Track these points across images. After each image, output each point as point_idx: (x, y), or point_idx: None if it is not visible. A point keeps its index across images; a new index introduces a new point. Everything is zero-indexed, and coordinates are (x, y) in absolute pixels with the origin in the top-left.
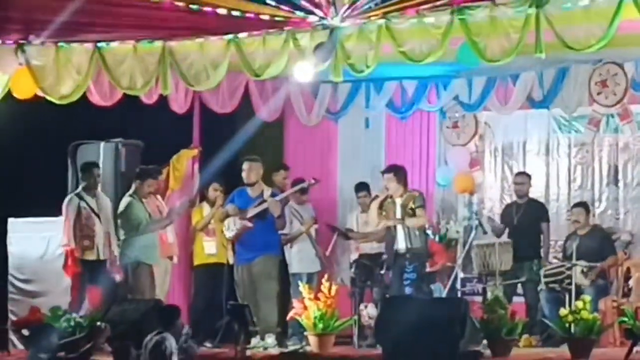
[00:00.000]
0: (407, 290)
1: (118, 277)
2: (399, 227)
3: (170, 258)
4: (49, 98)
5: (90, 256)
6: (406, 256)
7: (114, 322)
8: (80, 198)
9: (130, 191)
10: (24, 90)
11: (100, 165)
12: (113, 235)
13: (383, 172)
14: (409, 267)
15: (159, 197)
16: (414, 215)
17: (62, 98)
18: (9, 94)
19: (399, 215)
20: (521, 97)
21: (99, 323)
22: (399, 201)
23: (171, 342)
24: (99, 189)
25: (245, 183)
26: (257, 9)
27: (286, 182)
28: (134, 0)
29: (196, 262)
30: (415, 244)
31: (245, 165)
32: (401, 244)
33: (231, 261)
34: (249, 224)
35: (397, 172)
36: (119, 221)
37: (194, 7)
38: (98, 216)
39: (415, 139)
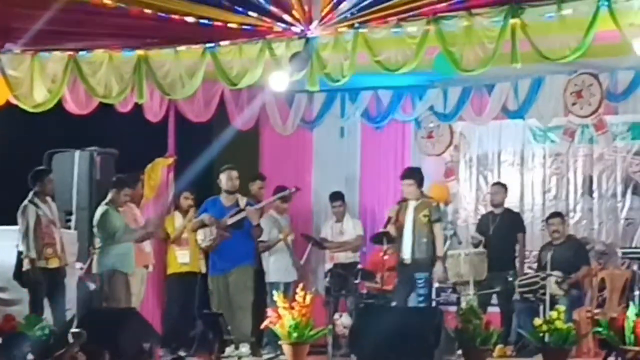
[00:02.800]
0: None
1: (93, 286)
2: (407, 235)
3: (146, 267)
4: (22, 106)
5: (54, 264)
6: (413, 267)
7: (89, 329)
8: (36, 205)
9: (107, 200)
10: None
11: (75, 173)
12: (67, 242)
13: (402, 178)
14: (420, 281)
15: (134, 206)
16: (427, 223)
17: (36, 106)
18: None
19: (409, 219)
20: (496, 107)
21: (75, 329)
22: (412, 204)
23: None
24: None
25: (225, 191)
26: (233, 18)
27: (262, 191)
28: (108, 9)
29: (169, 271)
30: (421, 254)
31: (224, 175)
32: (407, 253)
33: (204, 270)
34: (226, 234)
35: (416, 176)
36: (95, 229)
37: (167, 15)
38: (53, 223)
39: (390, 148)
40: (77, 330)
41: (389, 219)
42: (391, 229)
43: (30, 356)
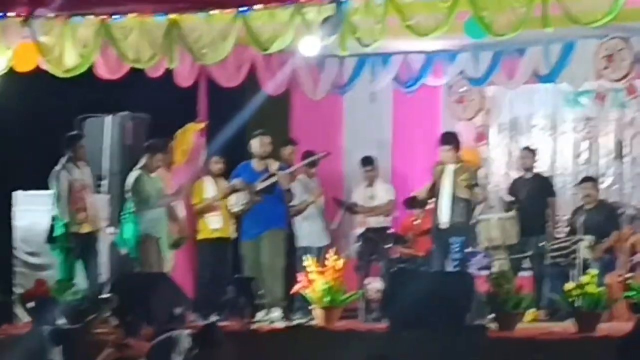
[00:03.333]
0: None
1: (123, 250)
2: (444, 199)
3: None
4: (52, 71)
5: (86, 229)
6: (450, 231)
7: (121, 294)
8: (68, 171)
9: (139, 165)
10: (26, 63)
11: (107, 138)
12: (99, 207)
13: (440, 144)
14: (456, 245)
15: (165, 171)
16: (467, 187)
17: (67, 71)
18: (11, 68)
19: (448, 184)
20: (527, 71)
21: (105, 295)
22: (450, 168)
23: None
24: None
25: (257, 156)
26: None
27: (293, 156)
28: None
29: (200, 236)
30: (458, 219)
31: (256, 140)
32: (444, 217)
33: (235, 236)
34: (257, 198)
35: (453, 141)
36: (128, 194)
37: None
38: (86, 188)
39: (421, 113)
40: (107, 295)
41: (433, 181)
42: (427, 192)
43: (62, 320)
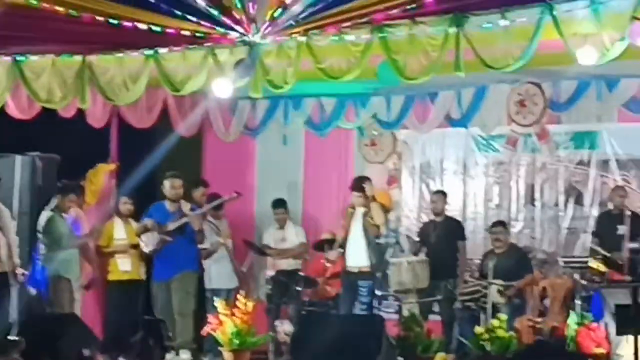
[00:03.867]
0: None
1: (34, 291)
2: (354, 242)
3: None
4: None
5: None
6: (358, 274)
7: (29, 335)
8: None
9: (51, 205)
10: None
11: (17, 178)
12: (14, 246)
13: (352, 190)
14: (363, 289)
15: (79, 211)
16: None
17: None
18: None
19: (359, 224)
20: (439, 115)
21: (13, 337)
22: (360, 211)
23: None
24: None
25: (169, 198)
26: (177, 24)
27: (205, 198)
28: (54, 14)
29: (110, 277)
30: (367, 262)
31: (168, 182)
32: (353, 260)
33: (144, 277)
34: (169, 238)
35: (362, 187)
36: (40, 235)
37: (114, 22)
38: (0, 228)
39: (333, 156)
40: (15, 338)
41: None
42: (338, 235)
43: None
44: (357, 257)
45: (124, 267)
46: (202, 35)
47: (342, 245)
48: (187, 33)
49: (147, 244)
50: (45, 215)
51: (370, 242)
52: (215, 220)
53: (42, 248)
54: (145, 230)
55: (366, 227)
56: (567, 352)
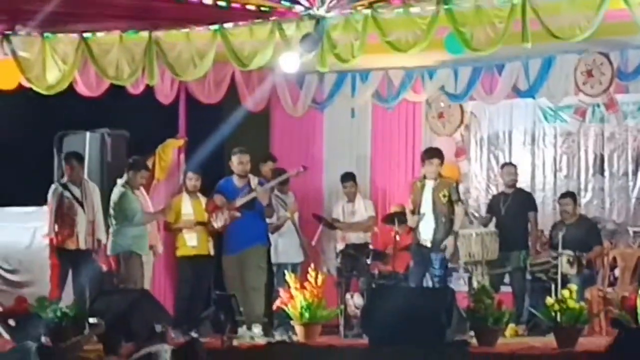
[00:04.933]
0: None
1: (104, 267)
2: (430, 216)
3: (151, 248)
4: (35, 88)
5: (71, 245)
6: (431, 248)
7: (101, 311)
8: (65, 187)
9: (123, 181)
10: (8, 81)
11: (86, 155)
12: (99, 224)
13: (426, 158)
14: (436, 261)
15: (143, 189)
16: (445, 205)
17: (48, 88)
18: None
19: (427, 200)
20: (507, 87)
21: (93, 319)
22: (430, 184)
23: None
24: (86, 177)
25: (237, 174)
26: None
27: (272, 173)
28: None
29: (179, 253)
30: (439, 235)
31: (235, 158)
32: (427, 234)
33: (212, 252)
34: (238, 214)
35: (441, 156)
36: (111, 211)
37: None
38: (82, 205)
39: (401, 128)
40: (95, 320)
41: (412, 199)
42: (409, 208)
43: (44, 339)
44: (429, 230)
45: (191, 242)
46: (267, 9)
47: (405, 220)
48: (252, 7)
49: (217, 220)
50: (117, 191)
51: (438, 215)
52: (282, 194)
53: (112, 223)
54: (215, 206)
55: (435, 200)
56: None
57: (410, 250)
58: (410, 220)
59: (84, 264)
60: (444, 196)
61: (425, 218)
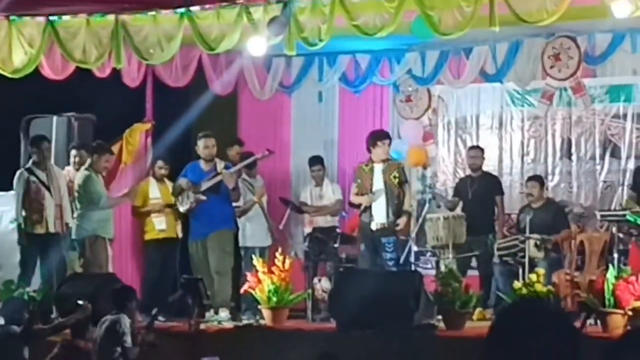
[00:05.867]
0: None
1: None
2: (381, 199)
3: None
4: (1, 72)
5: (40, 230)
6: (383, 231)
7: (68, 295)
8: (30, 172)
9: (86, 165)
10: None
11: (53, 139)
12: (66, 208)
13: (377, 139)
14: (389, 245)
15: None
16: (396, 187)
17: (14, 72)
18: None
19: (378, 183)
20: (474, 70)
21: (80, 301)
22: (378, 167)
23: (125, 322)
24: (52, 161)
25: (203, 158)
26: None
27: (239, 156)
28: None
29: (147, 237)
30: (390, 218)
31: (201, 142)
32: (381, 217)
33: (180, 235)
34: (203, 197)
35: (390, 137)
36: (75, 194)
37: None
38: (49, 189)
39: (368, 112)
40: (81, 302)
41: (358, 183)
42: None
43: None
44: (382, 212)
45: (159, 226)
46: None
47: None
48: None
49: (182, 203)
50: (81, 174)
51: (390, 197)
52: (250, 178)
53: (77, 207)
54: (181, 190)
55: (387, 182)
56: None
57: (360, 234)
58: (364, 200)
59: (53, 248)
60: (394, 177)
61: (377, 200)
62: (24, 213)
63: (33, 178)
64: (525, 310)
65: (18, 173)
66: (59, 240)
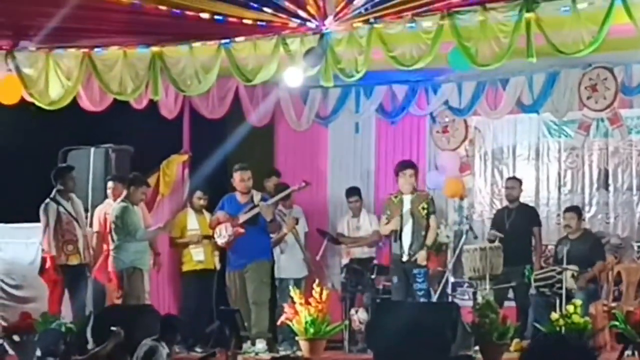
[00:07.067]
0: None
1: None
2: (406, 229)
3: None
4: (37, 103)
5: (74, 261)
6: (413, 262)
7: (105, 327)
8: (57, 203)
9: (123, 197)
10: (11, 95)
11: (91, 170)
12: (90, 238)
13: (400, 170)
14: (419, 276)
15: (143, 204)
16: (424, 218)
17: (51, 104)
18: None
19: (407, 214)
20: (511, 101)
21: (113, 327)
22: (407, 198)
23: (163, 352)
24: (89, 193)
25: (239, 191)
26: (247, 14)
27: (276, 187)
28: (124, 6)
29: (185, 268)
30: (420, 249)
31: (237, 175)
32: (406, 249)
33: (218, 267)
34: (241, 230)
35: (415, 167)
36: (113, 226)
37: (182, 12)
38: (76, 220)
39: (405, 143)
40: (114, 328)
41: (387, 215)
42: (396, 222)
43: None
44: (406, 245)
45: (197, 257)
46: (272, 24)
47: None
48: (258, 23)
49: (221, 236)
50: (118, 206)
51: (417, 229)
52: (286, 209)
53: (114, 239)
54: (218, 223)
55: (415, 213)
56: None
57: (392, 265)
58: (389, 227)
59: (83, 279)
60: (423, 209)
61: (405, 232)
62: (54, 244)
63: (62, 209)
64: (550, 346)
65: (44, 204)
66: (87, 271)
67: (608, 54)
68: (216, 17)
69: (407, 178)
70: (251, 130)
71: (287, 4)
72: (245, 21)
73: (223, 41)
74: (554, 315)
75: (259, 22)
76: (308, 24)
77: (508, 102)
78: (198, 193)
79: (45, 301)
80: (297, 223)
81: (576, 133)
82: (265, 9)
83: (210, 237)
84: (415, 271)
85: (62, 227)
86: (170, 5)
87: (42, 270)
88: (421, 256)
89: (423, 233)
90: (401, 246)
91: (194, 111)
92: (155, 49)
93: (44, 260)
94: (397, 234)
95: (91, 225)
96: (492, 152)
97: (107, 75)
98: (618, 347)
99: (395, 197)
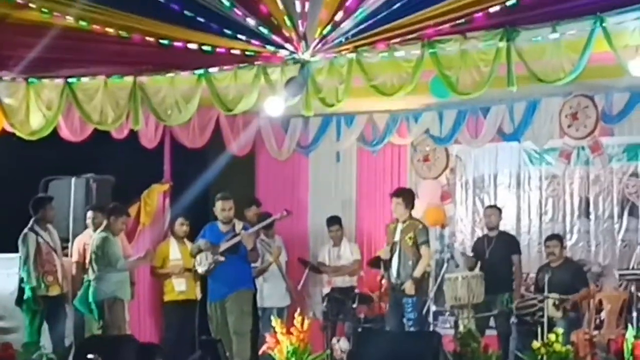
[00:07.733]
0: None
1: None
2: (395, 258)
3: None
4: (18, 134)
5: (54, 292)
6: (400, 291)
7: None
8: (36, 233)
9: (103, 227)
10: None
11: (71, 200)
12: (68, 268)
13: (392, 196)
14: (408, 305)
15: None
16: (411, 247)
17: (32, 134)
18: None
19: (397, 242)
20: (492, 130)
21: (90, 356)
22: (399, 226)
23: None
24: (70, 223)
25: (220, 220)
26: (228, 43)
27: (257, 217)
28: (104, 36)
29: (166, 298)
30: (406, 278)
31: (219, 204)
32: (393, 277)
33: (199, 297)
34: (222, 258)
35: (405, 195)
36: (93, 256)
37: (165, 42)
38: (54, 250)
39: (386, 172)
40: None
41: (387, 240)
42: (385, 251)
43: None
44: (398, 272)
45: (179, 287)
46: (252, 54)
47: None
48: (237, 52)
49: (201, 264)
50: (99, 236)
51: (403, 258)
52: (267, 238)
53: (95, 270)
54: (199, 251)
55: (401, 242)
56: None
57: (387, 293)
58: (380, 253)
59: (63, 309)
60: (410, 238)
61: (394, 260)
62: (35, 275)
63: (41, 239)
64: None
65: (23, 235)
66: (67, 301)
67: (589, 81)
68: (203, 47)
69: (395, 206)
70: (232, 160)
71: (261, 29)
72: (233, 51)
73: (203, 71)
74: (536, 344)
75: (232, 51)
76: (282, 51)
77: (489, 130)
78: (180, 219)
79: (25, 331)
80: (280, 253)
81: (557, 161)
82: (239, 35)
83: (191, 270)
84: (404, 300)
85: (42, 257)
86: (148, 35)
87: (19, 301)
88: (408, 286)
89: (410, 263)
90: (390, 275)
91: (174, 141)
92: (136, 78)
93: (21, 290)
94: (389, 262)
95: (71, 255)
96: (473, 180)
97: (88, 105)
98: None
99: (392, 224)
